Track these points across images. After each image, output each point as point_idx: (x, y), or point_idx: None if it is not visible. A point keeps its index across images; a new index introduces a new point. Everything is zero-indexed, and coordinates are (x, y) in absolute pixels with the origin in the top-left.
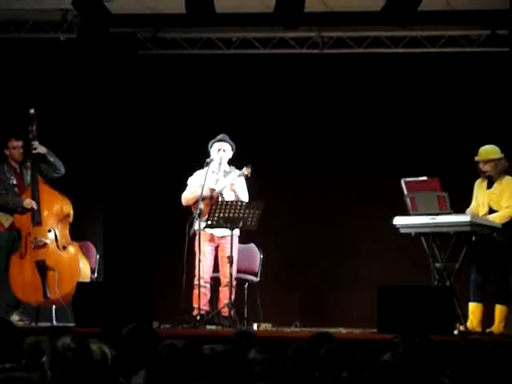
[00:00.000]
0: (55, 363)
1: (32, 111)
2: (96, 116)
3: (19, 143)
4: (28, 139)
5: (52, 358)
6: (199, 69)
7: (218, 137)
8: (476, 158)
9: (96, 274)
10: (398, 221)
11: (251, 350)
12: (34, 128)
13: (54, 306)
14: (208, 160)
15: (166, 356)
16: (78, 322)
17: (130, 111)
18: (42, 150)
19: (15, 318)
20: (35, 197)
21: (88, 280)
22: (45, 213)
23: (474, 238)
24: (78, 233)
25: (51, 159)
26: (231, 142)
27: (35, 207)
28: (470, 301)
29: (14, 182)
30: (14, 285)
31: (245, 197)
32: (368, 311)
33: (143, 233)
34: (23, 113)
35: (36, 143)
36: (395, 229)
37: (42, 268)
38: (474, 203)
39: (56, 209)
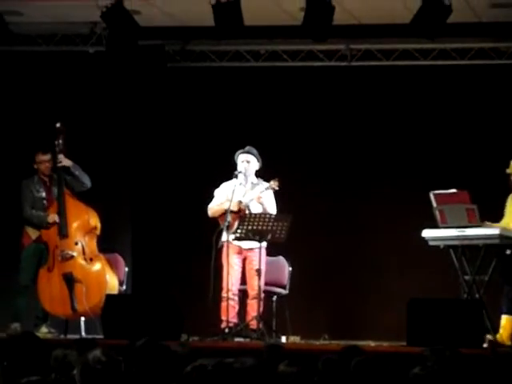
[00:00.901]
0: (86, 376)
1: (58, 125)
2: (124, 128)
3: (46, 157)
4: (55, 153)
5: (82, 372)
6: (227, 81)
7: (244, 149)
8: (507, 171)
9: (125, 287)
10: (427, 233)
11: (281, 363)
12: (61, 141)
13: (82, 318)
14: (236, 172)
15: (196, 379)
16: (106, 334)
17: (158, 123)
18: (67, 163)
19: (44, 330)
20: (61, 210)
21: (115, 292)
22: (72, 225)
23: (509, 252)
24: (106, 245)
25: (76, 173)
26: (257, 154)
27: (57, 221)
28: (501, 313)
29: (43, 194)
30: (42, 298)
31: (273, 210)
32: (397, 324)
33: (171, 245)
34: (51, 126)
35: (61, 156)
36: (424, 241)
37: (70, 280)
38: (506, 219)
39: (83, 221)
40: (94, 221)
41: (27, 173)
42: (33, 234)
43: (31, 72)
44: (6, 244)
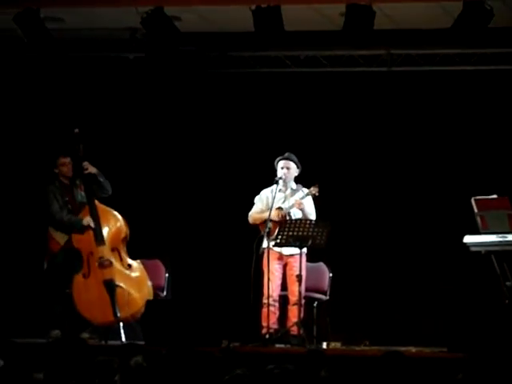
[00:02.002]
0: (128, 381)
1: (76, 130)
2: (164, 134)
3: (67, 160)
4: (77, 158)
5: (124, 377)
6: (267, 87)
7: (284, 155)
8: None
9: (165, 292)
10: (469, 239)
11: (322, 369)
12: (81, 147)
13: (121, 324)
14: (276, 178)
15: None
16: (147, 340)
17: (198, 129)
18: (92, 170)
19: (85, 336)
20: (94, 216)
21: (151, 298)
22: (106, 232)
23: None
24: (147, 251)
25: (101, 180)
26: (296, 161)
27: (92, 225)
28: None
29: (66, 198)
30: (80, 305)
31: (313, 215)
32: (438, 330)
33: (211, 251)
34: (90, 133)
35: (87, 163)
36: (466, 247)
37: (111, 287)
38: None
39: (117, 228)
40: (126, 227)
41: (49, 178)
42: (61, 239)
43: (72, 78)
44: (39, 251)
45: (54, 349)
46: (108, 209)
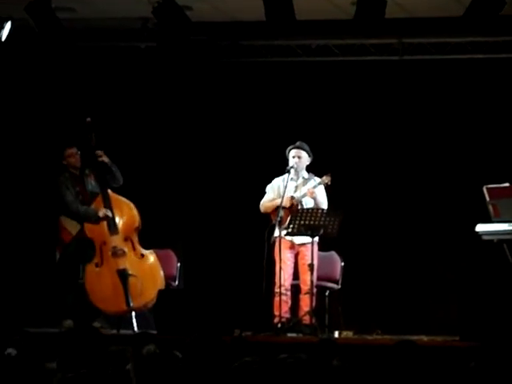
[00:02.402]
0: (140, 370)
1: (89, 119)
2: (175, 123)
3: (73, 150)
4: (90, 148)
5: (137, 365)
6: (279, 76)
7: (295, 144)
8: None
9: (177, 282)
10: (481, 228)
11: (334, 358)
12: (93, 136)
13: (133, 313)
14: (288, 167)
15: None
16: (159, 329)
17: (209, 118)
18: (105, 159)
19: (96, 325)
20: (107, 205)
21: (163, 287)
22: (119, 221)
23: None
24: (158, 241)
25: (113, 169)
26: (308, 149)
27: (110, 215)
28: None
29: (77, 189)
30: (92, 295)
31: (325, 205)
32: (449, 318)
33: (222, 240)
34: (99, 122)
35: (101, 152)
36: (477, 236)
37: (125, 276)
38: None
39: (129, 217)
40: (138, 216)
41: (59, 170)
42: (72, 229)
43: (83, 68)
44: (50, 241)
45: (68, 338)
46: (121, 198)
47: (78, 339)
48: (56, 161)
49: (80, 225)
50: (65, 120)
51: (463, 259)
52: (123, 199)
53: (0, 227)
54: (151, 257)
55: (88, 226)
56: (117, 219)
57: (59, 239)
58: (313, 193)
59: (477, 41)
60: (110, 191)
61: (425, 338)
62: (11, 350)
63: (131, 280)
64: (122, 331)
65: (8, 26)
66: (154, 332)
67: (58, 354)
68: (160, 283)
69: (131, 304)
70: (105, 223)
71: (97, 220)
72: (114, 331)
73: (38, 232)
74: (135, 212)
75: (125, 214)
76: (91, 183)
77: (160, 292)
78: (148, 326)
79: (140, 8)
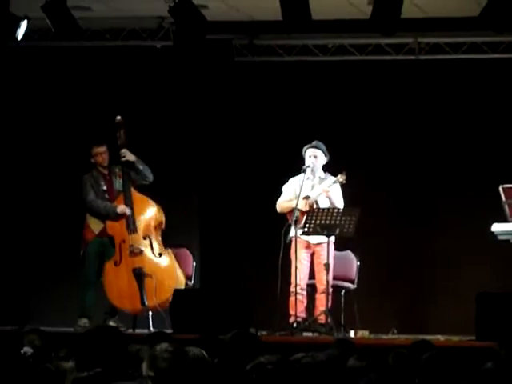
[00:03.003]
0: (153, 368)
1: (119, 118)
2: (191, 122)
3: (101, 149)
4: (117, 146)
5: (151, 363)
6: (295, 75)
7: (312, 143)
8: None
9: (193, 281)
10: (497, 228)
11: (351, 358)
12: (122, 134)
13: (150, 313)
14: (304, 167)
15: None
16: (175, 328)
17: (225, 118)
18: (130, 157)
19: (112, 325)
20: (128, 204)
21: (183, 287)
22: (139, 220)
23: None
24: (174, 240)
25: (140, 167)
26: (324, 149)
27: (128, 213)
28: None
29: (104, 187)
30: (109, 292)
31: (340, 204)
32: (466, 318)
33: (239, 240)
34: (113, 120)
35: (125, 151)
36: (493, 236)
37: (140, 275)
38: None
39: (150, 216)
40: (161, 215)
41: (87, 168)
42: (95, 227)
43: (99, 67)
44: (72, 239)
45: (87, 337)
46: (143, 197)
47: (98, 338)
48: (83, 159)
49: (103, 224)
50: (85, 119)
51: (479, 259)
52: (146, 198)
53: (29, 226)
54: (168, 256)
55: (109, 223)
56: (137, 218)
57: (82, 238)
58: (328, 192)
59: (493, 41)
60: (134, 190)
61: (441, 338)
62: (27, 349)
63: (147, 279)
64: (138, 330)
65: (24, 24)
66: (170, 331)
67: (75, 353)
68: (177, 283)
69: (146, 303)
70: (124, 222)
71: (116, 216)
72: (130, 330)
73: (65, 230)
74: (157, 211)
75: (145, 213)
76: (119, 181)
77: (175, 291)
78: (163, 325)
79: (156, 7)
